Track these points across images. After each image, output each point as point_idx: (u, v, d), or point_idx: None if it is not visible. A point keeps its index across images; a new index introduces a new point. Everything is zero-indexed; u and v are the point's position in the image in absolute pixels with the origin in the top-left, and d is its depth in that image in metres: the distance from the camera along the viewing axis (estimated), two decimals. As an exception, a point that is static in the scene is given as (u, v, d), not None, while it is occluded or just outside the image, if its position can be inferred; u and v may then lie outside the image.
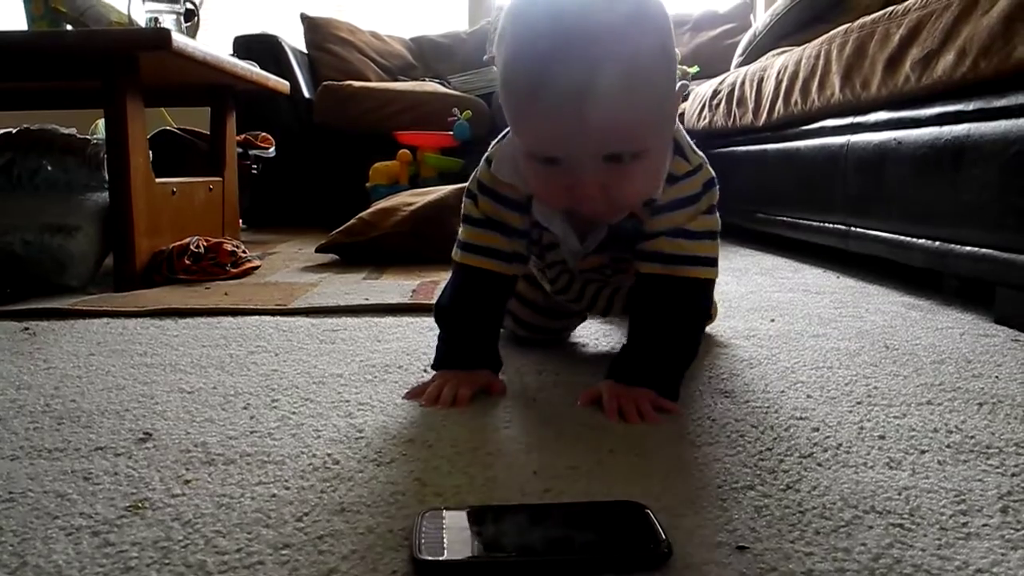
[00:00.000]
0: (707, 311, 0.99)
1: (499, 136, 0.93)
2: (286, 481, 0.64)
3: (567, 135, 0.72)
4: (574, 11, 0.71)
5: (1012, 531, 0.55)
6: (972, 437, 0.75)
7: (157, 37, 1.57)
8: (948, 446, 0.72)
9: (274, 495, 0.62)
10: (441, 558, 0.50)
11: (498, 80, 0.78)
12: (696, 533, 0.55)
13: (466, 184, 0.96)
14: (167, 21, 1.89)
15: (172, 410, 0.83)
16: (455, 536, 0.52)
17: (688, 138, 0.89)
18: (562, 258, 0.98)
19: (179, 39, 1.59)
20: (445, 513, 0.55)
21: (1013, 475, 0.65)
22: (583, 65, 0.69)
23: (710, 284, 0.92)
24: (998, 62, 1.25)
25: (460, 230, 0.96)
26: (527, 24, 0.74)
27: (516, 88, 0.75)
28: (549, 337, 1.15)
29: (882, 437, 0.75)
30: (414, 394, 0.88)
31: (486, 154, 0.94)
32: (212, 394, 0.89)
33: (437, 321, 0.96)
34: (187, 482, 0.64)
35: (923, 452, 0.71)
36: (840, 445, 0.72)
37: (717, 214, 0.91)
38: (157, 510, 0.59)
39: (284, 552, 0.52)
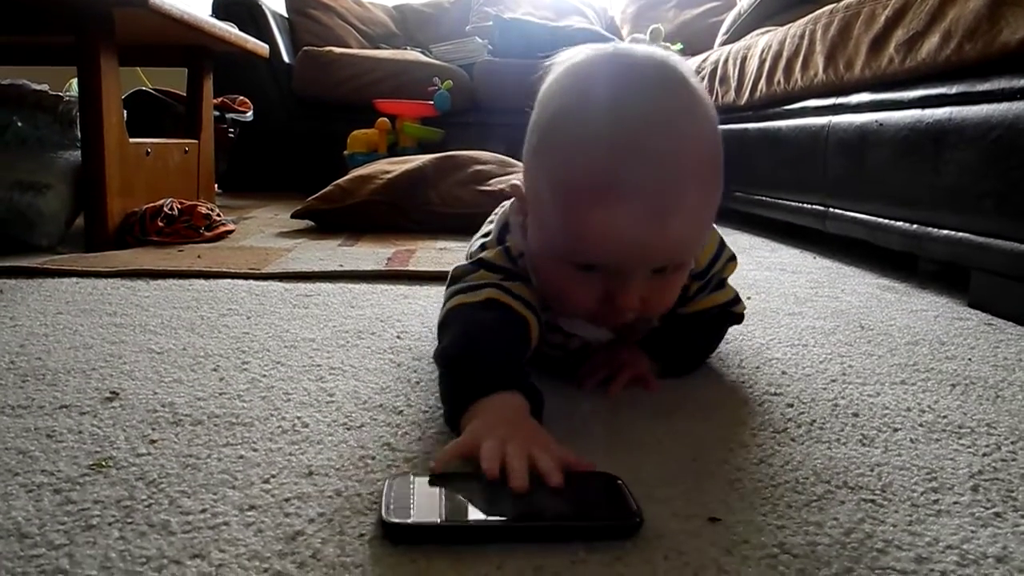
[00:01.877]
0: (722, 335, 0.93)
1: (498, 228, 0.81)
2: (254, 443, 0.63)
3: (641, 245, 0.63)
4: (652, 106, 0.62)
5: (982, 509, 0.55)
6: (944, 417, 0.75)
7: (133, -8, 1.53)
8: (921, 425, 0.72)
9: (241, 456, 0.61)
10: (408, 521, 0.49)
11: (544, 161, 0.67)
12: (669, 504, 0.54)
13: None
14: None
15: (140, 370, 0.82)
16: (423, 501, 0.51)
17: None
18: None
19: (156, -5, 1.55)
20: (414, 478, 0.54)
21: (984, 455, 0.66)
22: (673, 164, 0.61)
23: (734, 309, 0.88)
24: (983, 45, 1.25)
25: (453, 288, 0.78)
26: (597, 113, 0.63)
27: (580, 188, 0.63)
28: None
29: (856, 415, 0.75)
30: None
31: (496, 240, 0.80)
32: (181, 355, 0.88)
33: (444, 368, 0.70)
34: (153, 442, 0.63)
35: (896, 430, 0.71)
36: (814, 421, 0.72)
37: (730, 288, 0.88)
38: (121, 469, 0.58)
39: (250, 513, 0.51)
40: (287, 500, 0.54)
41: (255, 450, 0.62)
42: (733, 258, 0.85)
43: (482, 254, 0.80)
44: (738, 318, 0.90)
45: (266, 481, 0.56)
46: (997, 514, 0.55)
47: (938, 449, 0.67)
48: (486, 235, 0.83)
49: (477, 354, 0.68)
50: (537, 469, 0.53)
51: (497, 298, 0.72)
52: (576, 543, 0.48)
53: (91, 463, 0.58)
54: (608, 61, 0.67)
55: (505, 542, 0.49)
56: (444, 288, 0.80)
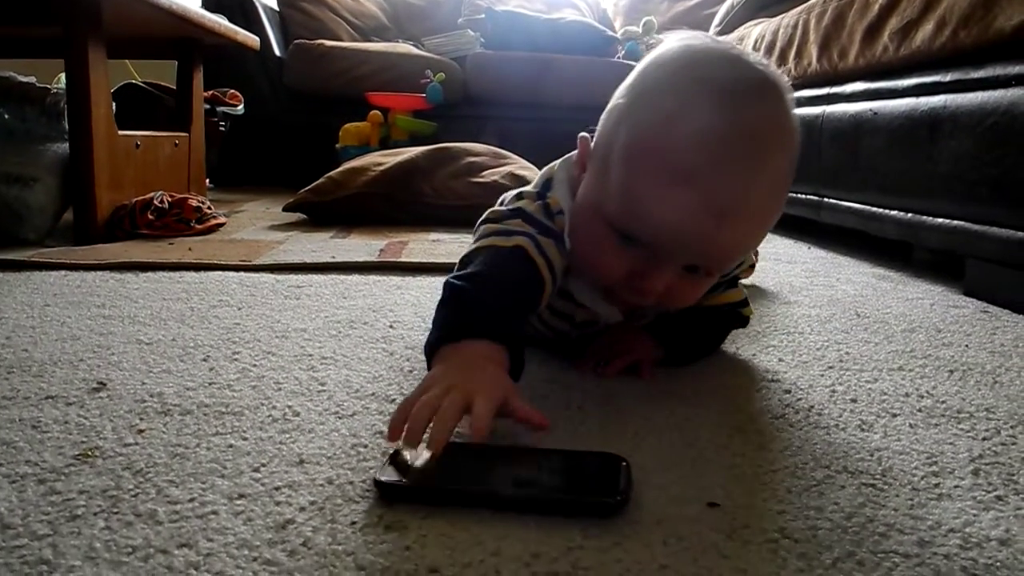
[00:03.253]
0: (726, 335, 0.91)
1: (542, 182, 0.81)
2: (244, 432, 0.62)
3: (690, 237, 0.64)
4: (750, 128, 0.62)
5: (983, 492, 0.55)
6: (943, 402, 0.74)
7: (121, -19, 1.52)
8: (919, 410, 0.72)
9: (231, 445, 0.59)
10: (400, 481, 0.51)
11: (629, 125, 0.67)
12: (666, 490, 0.53)
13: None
14: (131, -34, 1.82)
15: (128, 361, 0.81)
16: (422, 465, 0.53)
17: None
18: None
19: (144, -16, 1.53)
20: (419, 448, 0.54)
21: (984, 439, 0.65)
22: (743, 194, 0.62)
23: (741, 311, 0.87)
24: (977, 32, 1.25)
25: (486, 227, 0.77)
26: (698, 112, 0.62)
27: (656, 166, 0.63)
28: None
29: (854, 400, 0.74)
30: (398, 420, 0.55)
31: (535, 192, 0.79)
32: (171, 346, 0.86)
33: (446, 295, 0.69)
34: (140, 432, 0.62)
35: (895, 416, 0.70)
36: (812, 407, 0.72)
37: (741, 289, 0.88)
38: (108, 459, 0.57)
39: (239, 502, 0.50)
40: (277, 489, 0.52)
41: (245, 439, 0.61)
42: (752, 265, 0.85)
43: (520, 203, 0.78)
44: (743, 320, 0.88)
45: (256, 470, 0.55)
46: (999, 497, 0.54)
47: (937, 434, 0.66)
48: (521, 190, 0.82)
49: (480, 299, 0.66)
50: (470, 414, 0.54)
51: (527, 249, 0.71)
52: (572, 528, 0.48)
53: (77, 453, 0.57)
54: (725, 57, 0.66)
55: (489, 508, 0.50)
56: (473, 229, 0.79)
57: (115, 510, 0.49)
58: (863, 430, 0.66)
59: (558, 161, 0.81)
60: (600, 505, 0.50)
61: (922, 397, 0.75)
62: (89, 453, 0.57)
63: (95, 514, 0.48)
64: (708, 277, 0.71)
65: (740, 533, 0.48)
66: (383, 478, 0.52)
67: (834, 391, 0.76)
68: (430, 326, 0.67)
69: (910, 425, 0.68)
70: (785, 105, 0.65)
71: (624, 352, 0.80)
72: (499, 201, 0.83)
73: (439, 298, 0.69)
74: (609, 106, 0.71)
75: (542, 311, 0.81)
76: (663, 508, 0.51)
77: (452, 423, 0.53)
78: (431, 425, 0.53)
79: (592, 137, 0.73)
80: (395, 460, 0.54)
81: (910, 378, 0.82)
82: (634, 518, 0.49)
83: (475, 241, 0.75)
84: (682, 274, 0.68)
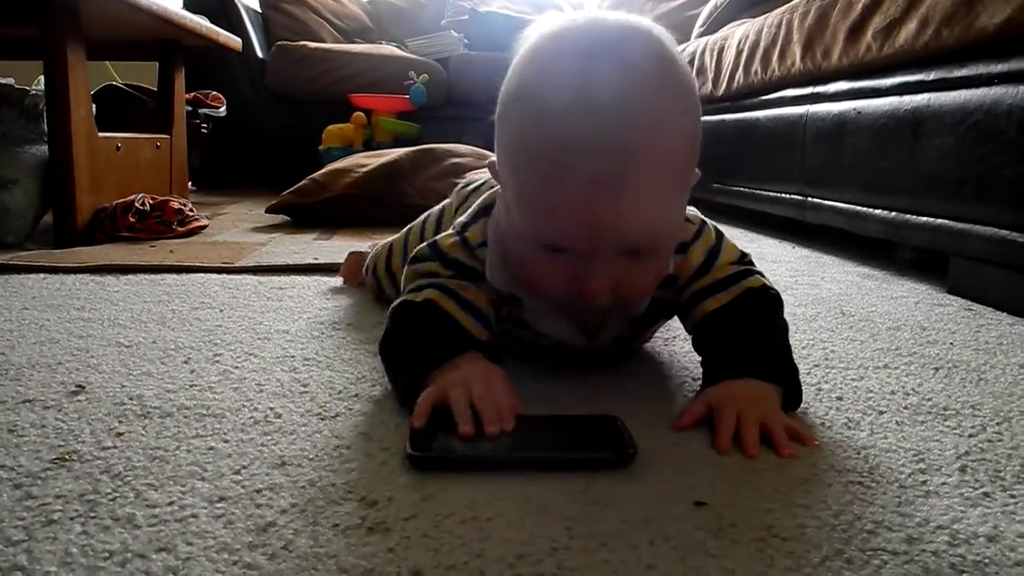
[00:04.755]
0: (772, 313, 0.76)
1: (471, 211, 0.78)
2: (225, 434, 0.61)
3: (593, 226, 0.60)
4: (609, 83, 0.59)
5: (971, 489, 0.54)
6: (929, 400, 0.74)
7: (99, -20, 1.50)
8: (906, 408, 0.71)
9: (211, 448, 0.58)
10: (430, 453, 0.56)
11: (505, 134, 0.65)
12: (653, 489, 0.53)
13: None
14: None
15: (108, 363, 0.79)
16: (443, 438, 0.59)
17: None
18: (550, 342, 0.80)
19: (123, -16, 1.51)
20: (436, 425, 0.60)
21: (970, 436, 0.65)
22: (621, 150, 0.58)
23: (777, 297, 0.76)
24: (960, 31, 1.25)
25: (405, 276, 0.78)
26: (554, 90, 0.60)
27: (535, 164, 0.62)
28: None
29: (840, 398, 0.74)
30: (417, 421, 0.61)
31: (455, 230, 0.77)
32: (151, 348, 0.85)
33: (385, 357, 0.73)
34: (119, 435, 0.61)
35: (881, 413, 0.70)
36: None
37: (733, 243, 0.79)
38: (85, 463, 0.55)
39: (219, 505, 0.49)
40: (258, 491, 0.52)
41: (226, 441, 0.60)
42: (720, 234, 0.79)
43: (437, 238, 0.77)
44: (775, 298, 0.76)
45: (237, 472, 0.54)
46: (986, 494, 0.54)
47: (924, 431, 0.66)
48: (471, 210, 0.79)
49: (410, 344, 0.71)
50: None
51: (436, 301, 0.71)
52: (558, 527, 0.47)
53: (54, 457, 0.56)
54: (576, 29, 0.64)
55: (513, 470, 0.55)
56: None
57: (92, 514, 0.48)
58: (849, 428, 0.66)
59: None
60: (620, 458, 0.56)
61: (908, 395, 0.75)
62: (66, 457, 0.56)
63: (71, 519, 0.47)
64: (654, 256, 0.66)
65: (727, 532, 0.47)
66: (416, 452, 0.56)
67: (820, 389, 0.76)
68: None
69: (896, 423, 0.67)
70: (652, 46, 0.62)
71: (757, 421, 0.62)
72: (458, 185, 0.85)
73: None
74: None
75: (509, 343, 0.81)
76: (649, 507, 0.50)
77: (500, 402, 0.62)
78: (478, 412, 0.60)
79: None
80: (415, 438, 0.58)
81: (896, 376, 0.81)
82: (620, 517, 0.49)
83: (400, 290, 0.77)
84: (623, 262, 0.64)
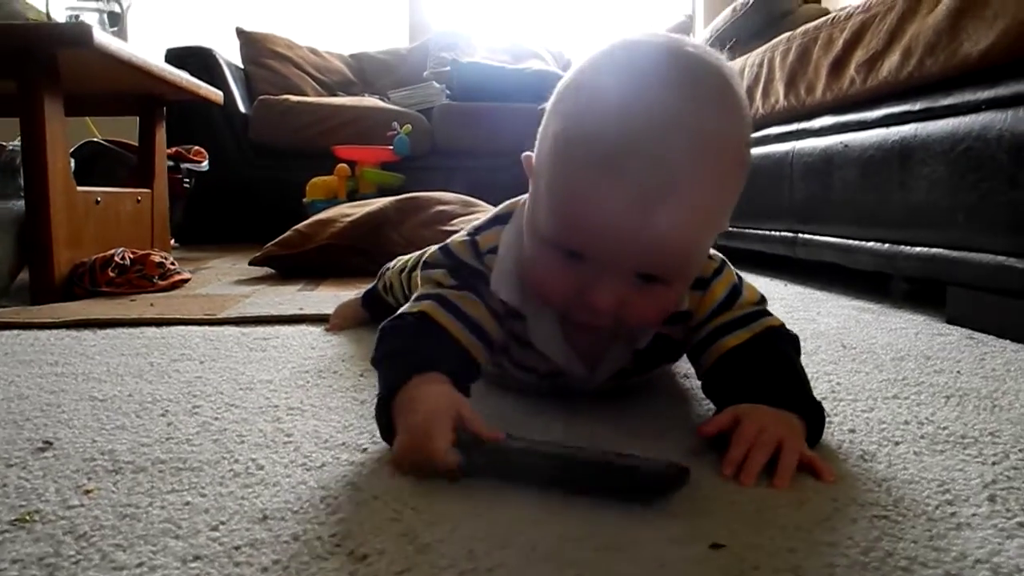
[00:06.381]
0: (788, 350, 0.75)
1: (488, 217, 0.77)
2: (202, 488, 0.57)
3: (618, 237, 0.59)
4: (678, 100, 0.58)
5: (1003, 520, 0.51)
6: (945, 428, 0.70)
7: (77, 32, 1.48)
8: (922, 437, 0.68)
9: (187, 503, 0.54)
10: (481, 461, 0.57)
11: (553, 123, 0.64)
12: (666, 531, 0.49)
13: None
14: (89, 19, 1.80)
15: (80, 418, 0.75)
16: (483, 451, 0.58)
17: None
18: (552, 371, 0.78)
19: (101, 36, 1.49)
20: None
21: (994, 463, 0.61)
22: (669, 167, 0.57)
23: (796, 338, 0.76)
24: (944, 59, 1.24)
25: (420, 277, 0.77)
26: (617, 91, 0.59)
27: (577, 159, 0.60)
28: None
29: (852, 431, 0.70)
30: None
31: (468, 232, 0.76)
32: (127, 401, 0.81)
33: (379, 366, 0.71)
34: (87, 492, 0.56)
35: (897, 444, 0.66)
36: (809, 439, 0.68)
37: (753, 285, 0.79)
38: (48, 523, 0.51)
39: (193, 565, 0.45)
40: (237, 548, 0.47)
41: (203, 495, 0.56)
42: (739, 278, 0.78)
43: (449, 240, 0.76)
44: (791, 336, 0.76)
45: (214, 528, 0.50)
46: (1021, 524, 0.50)
47: (945, 460, 0.62)
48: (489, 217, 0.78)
49: (390, 357, 0.69)
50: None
51: (431, 315, 0.70)
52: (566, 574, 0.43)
53: (13, 519, 0.52)
54: (656, 44, 0.63)
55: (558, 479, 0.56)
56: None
57: (53, 579, 0.44)
58: (866, 460, 0.62)
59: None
60: (679, 472, 0.55)
61: (922, 424, 0.72)
62: (27, 518, 0.52)
63: (30, 585, 0.43)
64: (667, 287, 0.63)
65: (750, 575, 0.43)
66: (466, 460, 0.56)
67: (830, 422, 0.73)
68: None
69: (915, 453, 0.64)
70: (720, 81, 0.61)
71: (771, 444, 0.60)
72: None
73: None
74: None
75: (507, 366, 0.79)
76: (663, 551, 0.46)
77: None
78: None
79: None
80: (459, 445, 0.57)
81: (907, 406, 0.78)
82: (633, 563, 0.45)
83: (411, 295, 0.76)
84: (636, 284, 0.62)
